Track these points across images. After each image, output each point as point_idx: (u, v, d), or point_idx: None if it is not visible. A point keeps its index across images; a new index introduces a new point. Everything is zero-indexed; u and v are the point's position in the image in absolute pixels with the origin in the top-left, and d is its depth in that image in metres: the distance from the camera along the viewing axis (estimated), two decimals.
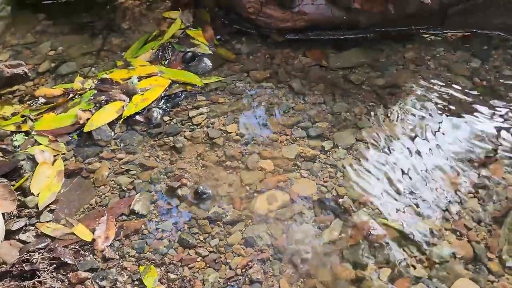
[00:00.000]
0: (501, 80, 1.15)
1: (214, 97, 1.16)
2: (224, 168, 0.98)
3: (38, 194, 0.93)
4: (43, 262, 0.79)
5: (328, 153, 1.00)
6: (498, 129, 1.03)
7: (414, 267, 0.80)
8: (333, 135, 1.04)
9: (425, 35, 1.31)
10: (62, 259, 0.80)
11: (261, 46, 1.32)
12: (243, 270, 0.79)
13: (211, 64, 1.26)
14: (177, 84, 1.20)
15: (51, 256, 0.80)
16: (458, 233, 0.84)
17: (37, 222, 0.88)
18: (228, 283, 0.78)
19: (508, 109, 1.07)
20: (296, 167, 0.97)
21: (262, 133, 1.06)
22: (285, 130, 1.06)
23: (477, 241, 0.83)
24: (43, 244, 0.84)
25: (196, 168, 0.98)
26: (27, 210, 0.90)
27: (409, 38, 1.30)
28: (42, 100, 1.16)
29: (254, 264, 0.80)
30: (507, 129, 1.03)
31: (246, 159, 0.99)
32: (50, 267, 0.79)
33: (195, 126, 1.08)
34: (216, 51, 1.31)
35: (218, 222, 0.87)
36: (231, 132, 1.06)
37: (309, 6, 1.28)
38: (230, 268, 0.80)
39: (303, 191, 0.92)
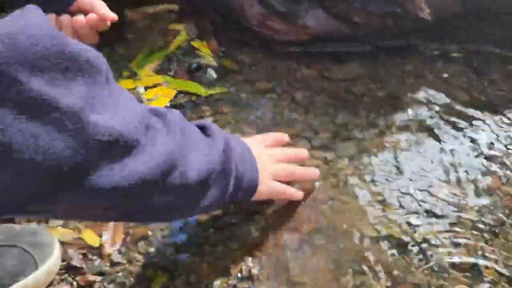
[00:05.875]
0: (497, 93, 1.19)
1: (218, 107, 1.19)
2: None
3: None
4: None
5: (331, 163, 1.03)
6: (495, 142, 1.07)
7: (414, 274, 0.82)
8: (335, 145, 1.07)
9: (423, 49, 1.35)
10: (71, 262, 0.82)
11: (264, 58, 1.36)
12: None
13: (215, 75, 1.30)
14: (182, 95, 1.23)
15: (61, 259, 0.82)
16: (456, 242, 0.87)
17: (47, 226, 0.91)
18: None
19: (504, 121, 1.11)
20: None
21: None
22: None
23: (474, 250, 0.86)
24: None
25: None
26: None
27: (408, 52, 1.34)
28: None
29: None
30: (503, 142, 1.06)
31: None
32: (60, 270, 0.81)
33: None
34: (220, 62, 1.34)
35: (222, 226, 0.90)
36: None
37: (311, 20, 1.32)
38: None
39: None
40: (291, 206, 0.92)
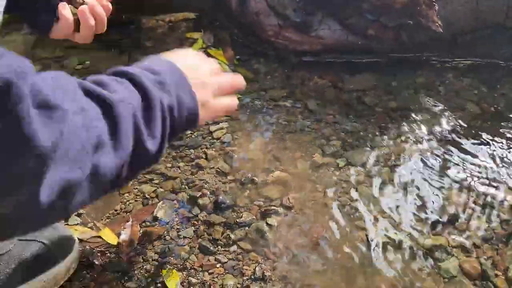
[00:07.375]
0: (507, 107, 1.21)
1: (233, 113, 1.22)
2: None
3: None
4: None
5: (342, 169, 1.05)
6: (505, 153, 1.08)
7: (424, 280, 0.83)
8: (347, 153, 1.09)
9: (435, 62, 1.38)
10: (90, 259, 0.85)
11: (279, 67, 1.39)
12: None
13: None
14: None
15: (79, 256, 0.85)
16: (466, 250, 0.88)
17: (66, 224, 0.93)
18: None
19: None
20: (311, 182, 1.02)
21: (279, 148, 1.11)
22: (301, 147, 1.11)
23: (484, 259, 0.87)
24: None
25: (215, 180, 1.03)
26: None
27: (420, 64, 1.37)
28: None
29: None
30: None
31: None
32: (78, 267, 0.84)
33: (215, 140, 1.14)
34: (236, 70, 1.38)
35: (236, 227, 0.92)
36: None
37: (325, 31, 1.35)
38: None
39: None
40: None
